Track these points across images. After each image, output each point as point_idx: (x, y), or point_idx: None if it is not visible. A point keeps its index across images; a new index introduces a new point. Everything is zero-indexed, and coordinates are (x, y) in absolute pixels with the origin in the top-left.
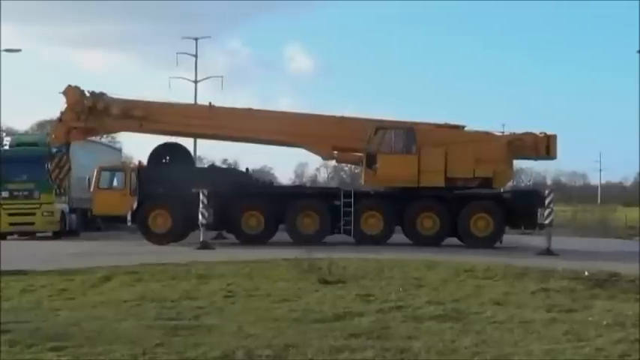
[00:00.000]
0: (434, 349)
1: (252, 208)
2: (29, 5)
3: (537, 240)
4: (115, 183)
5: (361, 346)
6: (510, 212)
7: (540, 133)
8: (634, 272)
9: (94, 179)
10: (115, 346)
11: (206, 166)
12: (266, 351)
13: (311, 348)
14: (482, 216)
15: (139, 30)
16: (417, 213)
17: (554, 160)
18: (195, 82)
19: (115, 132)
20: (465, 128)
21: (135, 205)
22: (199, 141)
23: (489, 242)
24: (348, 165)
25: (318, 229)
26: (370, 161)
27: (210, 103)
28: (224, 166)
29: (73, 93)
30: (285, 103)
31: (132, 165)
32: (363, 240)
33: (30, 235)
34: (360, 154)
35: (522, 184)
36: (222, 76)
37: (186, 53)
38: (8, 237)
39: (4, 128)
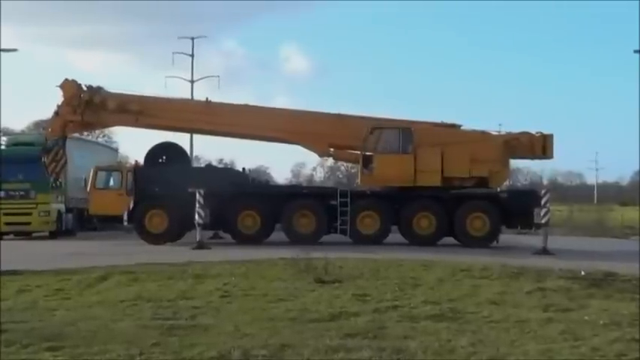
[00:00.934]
0: (430, 348)
1: (248, 208)
2: (25, 5)
3: (534, 240)
4: (111, 183)
5: (357, 345)
6: (507, 212)
7: (537, 133)
8: (630, 272)
9: (90, 179)
10: (111, 346)
11: (202, 165)
12: (262, 351)
13: (307, 348)
14: (478, 216)
15: (136, 30)
16: (414, 213)
17: (551, 160)
18: (192, 81)
19: (111, 126)
20: (462, 128)
21: (131, 205)
22: (196, 141)
23: (486, 242)
24: (345, 165)
25: (315, 228)
26: (366, 161)
27: (207, 98)
28: (220, 166)
29: (69, 87)
30: (281, 103)
31: (128, 165)
32: (359, 240)
33: (26, 235)
34: (356, 152)
35: (519, 184)
36: (218, 76)
37: (182, 53)
38: (4, 237)
39: (0, 128)
